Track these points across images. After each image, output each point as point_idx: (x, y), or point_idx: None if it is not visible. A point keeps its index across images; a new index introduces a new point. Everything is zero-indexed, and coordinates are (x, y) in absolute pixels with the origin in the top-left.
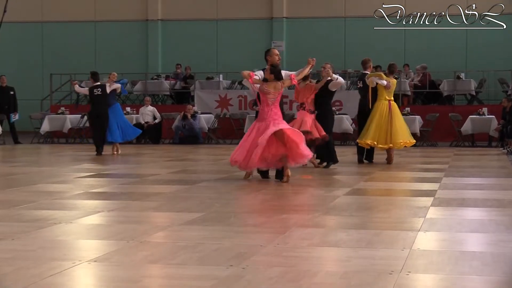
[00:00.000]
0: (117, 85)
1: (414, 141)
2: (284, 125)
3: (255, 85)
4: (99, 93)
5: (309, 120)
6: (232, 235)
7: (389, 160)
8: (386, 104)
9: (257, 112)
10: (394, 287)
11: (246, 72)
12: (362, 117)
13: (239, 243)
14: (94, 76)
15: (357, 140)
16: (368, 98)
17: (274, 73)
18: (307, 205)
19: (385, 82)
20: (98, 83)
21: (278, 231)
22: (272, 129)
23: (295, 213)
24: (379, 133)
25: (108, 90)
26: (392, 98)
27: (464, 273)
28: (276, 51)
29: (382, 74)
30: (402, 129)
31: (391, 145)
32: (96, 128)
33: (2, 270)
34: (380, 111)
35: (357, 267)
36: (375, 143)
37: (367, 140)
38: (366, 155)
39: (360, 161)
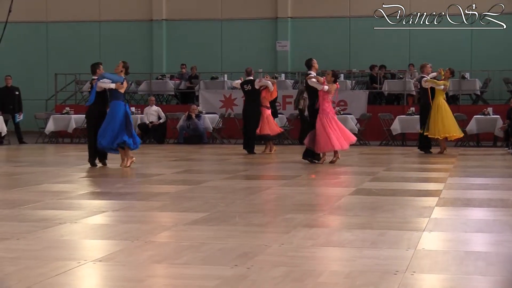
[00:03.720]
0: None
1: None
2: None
3: (325, 86)
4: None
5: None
6: (236, 235)
7: (442, 149)
8: (445, 102)
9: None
10: (399, 287)
11: (321, 79)
12: (424, 115)
13: (244, 243)
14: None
15: (429, 134)
16: (428, 98)
17: (335, 77)
18: (311, 205)
19: (441, 87)
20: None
21: (282, 231)
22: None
23: (300, 213)
24: (454, 125)
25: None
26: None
27: (469, 273)
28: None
29: (436, 81)
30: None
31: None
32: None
33: (7, 270)
34: (446, 107)
35: (362, 267)
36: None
37: (447, 133)
38: (424, 146)
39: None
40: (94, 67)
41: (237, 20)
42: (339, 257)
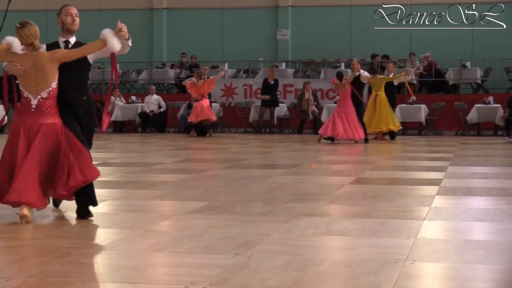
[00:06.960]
0: None
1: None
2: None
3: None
4: None
5: (207, 106)
6: (237, 223)
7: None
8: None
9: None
10: (400, 276)
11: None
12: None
13: (244, 231)
14: None
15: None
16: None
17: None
18: (312, 194)
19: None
20: None
21: (283, 220)
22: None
23: (301, 202)
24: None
25: None
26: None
27: (469, 261)
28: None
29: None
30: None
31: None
32: None
33: (8, 259)
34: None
35: (363, 256)
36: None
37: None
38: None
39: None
40: None
41: (238, 9)
42: (339, 246)
